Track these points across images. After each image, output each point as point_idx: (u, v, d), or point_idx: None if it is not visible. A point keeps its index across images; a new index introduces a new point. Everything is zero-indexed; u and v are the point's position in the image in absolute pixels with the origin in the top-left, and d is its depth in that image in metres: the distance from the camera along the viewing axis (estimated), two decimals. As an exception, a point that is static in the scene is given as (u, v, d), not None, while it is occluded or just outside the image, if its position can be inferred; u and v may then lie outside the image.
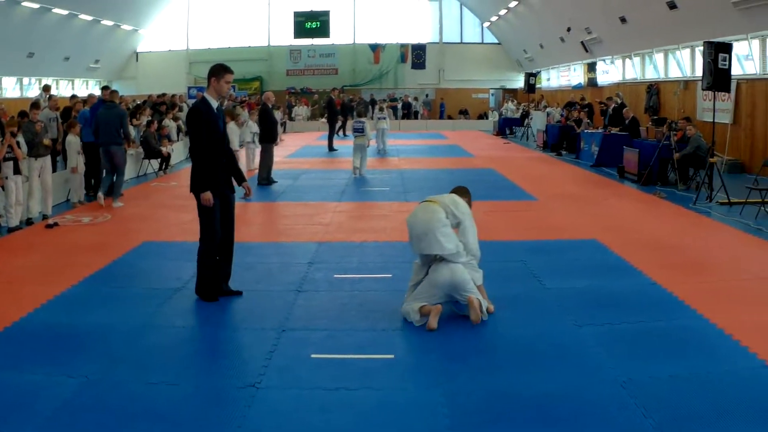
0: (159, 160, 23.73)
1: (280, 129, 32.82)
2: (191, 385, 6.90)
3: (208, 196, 9.16)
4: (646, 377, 6.82)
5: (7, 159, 14.01)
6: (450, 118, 51.78)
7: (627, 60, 33.98)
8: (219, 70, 9.30)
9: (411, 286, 8.86)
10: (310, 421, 6.14)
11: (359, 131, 23.24)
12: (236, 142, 18.02)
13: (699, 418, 5.98)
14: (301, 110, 49.11)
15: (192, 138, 9.44)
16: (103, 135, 17.21)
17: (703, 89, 18.81)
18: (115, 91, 18.80)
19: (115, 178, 17.50)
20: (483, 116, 51.51)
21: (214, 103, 9.38)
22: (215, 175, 9.32)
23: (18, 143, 14.38)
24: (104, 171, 17.68)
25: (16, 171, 14.30)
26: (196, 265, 9.57)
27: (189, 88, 48.78)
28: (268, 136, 21.20)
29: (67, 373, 7.07)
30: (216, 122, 9.32)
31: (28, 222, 15.00)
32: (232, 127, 17.43)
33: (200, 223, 9.48)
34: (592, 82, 38.69)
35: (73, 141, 17.14)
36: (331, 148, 32.07)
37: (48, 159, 15.81)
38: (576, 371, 7.07)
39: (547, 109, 37.63)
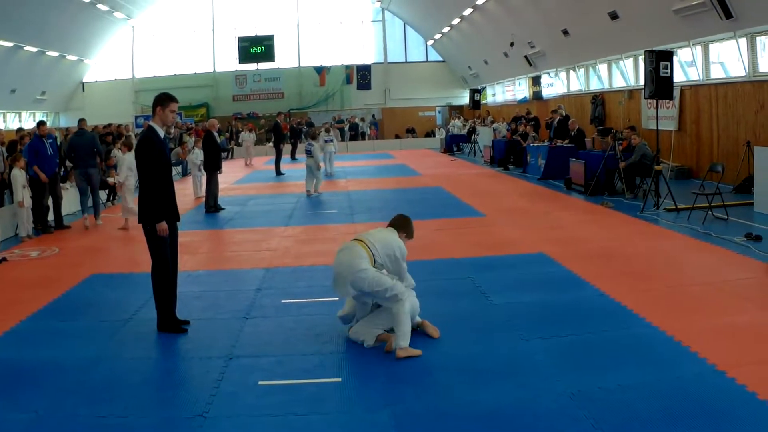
0: (107, 191, 23.41)
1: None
2: (140, 417, 6.75)
3: (164, 226, 9.09)
4: (595, 388, 6.81)
5: None
6: (397, 137, 51.80)
7: (571, 72, 34.27)
8: (164, 99, 9.22)
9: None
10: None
11: (309, 153, 23.71)
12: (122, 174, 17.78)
13: (650, 426, 5.97)
14: (248, 135, 48.89)
15: (143, 168, 9.24)
16: (79, 159, 18.61)
17: (645, 98, 18.94)
18: (83, 119, 20.17)
19: (92, 198, 18.86)
20: (430, 134, 51.61)
21: (161, 132, 9.27)
22: (168, 204, 9.24)
23: None
24: (80, 193, 18.78)
25: None
26: (155, 298, 9.43)
27: (136, 117, 48.47)
28: (213, 164, 20.99)
29: (17, 409, 6.95)
30: (164, 151, 9.28)
31: (-24, 258, 14.66)
32: (125, 158, 17.27)
33: (152, 253, 9.34)
34: (537, 96, 38.95)
35: (18, 175, 16.79)
36: (278, 173, 32.00)
37: (-7, 194, 15.52)
38: (525, 386, 7.02)
39: (494, 125, 37.79)
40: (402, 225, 9.00)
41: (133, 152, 16.72)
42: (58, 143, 20.72)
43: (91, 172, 18.82)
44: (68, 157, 19.72)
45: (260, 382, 7.46)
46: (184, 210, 20.56)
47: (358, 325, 8.58)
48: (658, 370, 7.21)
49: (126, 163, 17.58)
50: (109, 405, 7.02)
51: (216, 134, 21.40)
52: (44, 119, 20.61)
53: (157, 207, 9.10)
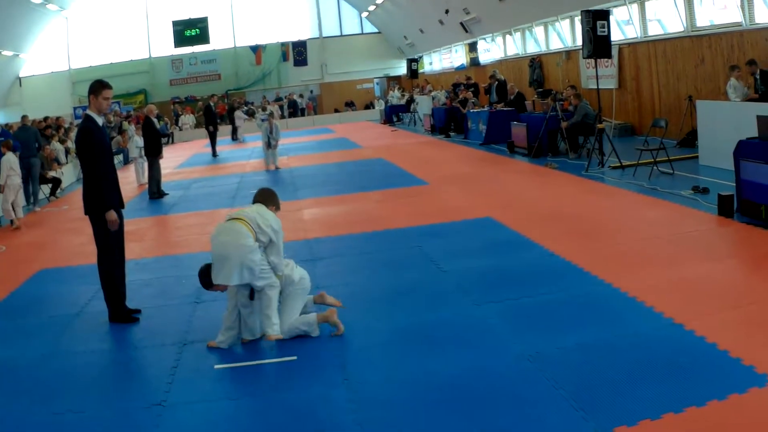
0: (50, 185, 22.89)
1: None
2: (96, 411, 6.51)
3: (113, 216, 8.82)
4: (553, 349, 6.67)
5: None
6: (337, 111, 51.44)
7: (507, 36, 34.12)
8: (97, 88, 8.88)
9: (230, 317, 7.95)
10: (219, 432, 5.92)
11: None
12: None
13: (611, 384, 5.86)
14: (187, 119, 48.29)
15: (85, 158, 8.93)
16: (24, 150, 19.59)
17: (584, 57, 18.90)
18: (25, 116, 22.91)
19: (32, 186, 20.19)
20: (369, 106, 51.35)
21: (100, 120, 8.97)
22: (114, 193, 8.98)
23: None
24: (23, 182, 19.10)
25: None
26: (103, 290, 9.15)
27: (75, 109, 47.48)
28: (154, 150, 20.55)
29: None
30: (104, 139, 9.01)
31: None
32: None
33: (98, 243, 9.07)
34: (474, 62, 38.85)
35: None
36: (215, 154, 31.80)
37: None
38: (481, 351, 6.87)
39: (432, 93, 37.64)
40: (269, 197, 8.46)
41: (10, 153, 16.46)
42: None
43: (33, 162, 20.18)
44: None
45: (216, 366, 7.25)
46: (127, 198, 20.03)
47: (273, 320, 7.90)
48: (616, 327, 7.11)
49: (7, 163, 17.04)
50: (65, 401, 6.76)
51: (155, 120, 21.00)
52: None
53: (104, 196, 8.82)
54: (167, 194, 20.47)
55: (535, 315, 7.70)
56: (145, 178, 21.99)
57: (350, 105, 52.34)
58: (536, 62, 30.13)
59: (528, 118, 21.98)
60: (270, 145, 24.25)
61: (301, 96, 51.77)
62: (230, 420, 6.12)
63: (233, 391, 6.75)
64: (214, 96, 37.17)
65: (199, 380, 7.02)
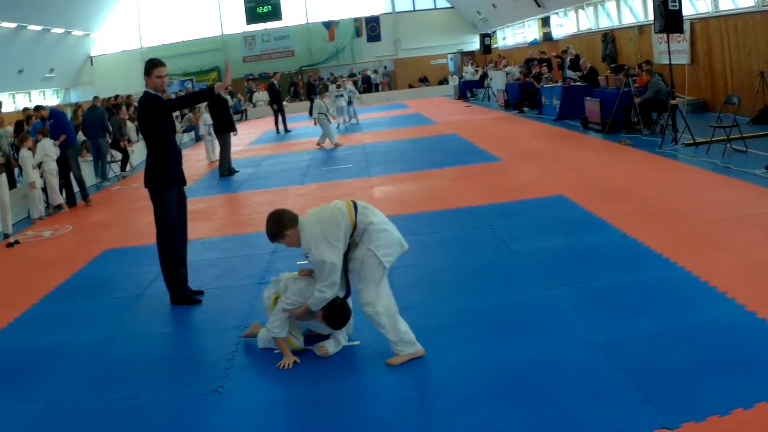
0: (120, 162, 23.34)
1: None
2: (152, 398, 6.50)
3: (170, 196, 8.84)
4: (622, 336, 6.51)
5: None
6: (411, 86, 51.17)
7: (580, 11, 33.47)
8: (149, 67, 8.87)
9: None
10: (274, 420, 5.84)
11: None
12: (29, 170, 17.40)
13: (679, 375, 5.68)
14: (261, 95, 48.39)
15: (148, 131, 8.93)
16: (90, 131, 20.61)
17: (655, 32, 18.51)
18: (97, 97, 23.51)
19: (101, 163, 21.24)
20: (443, 82, 50.92)
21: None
22: (174, 168, 8.96)
23: None
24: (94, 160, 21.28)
25: None
26: (162, 271, 9.14)
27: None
28: (223, 127, 20.73)
29: (26, 398, 6.70)
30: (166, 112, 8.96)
31: (-11, 243, 14.49)
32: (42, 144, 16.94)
33: (157, 221, 9.03)
34: (547, 37, 38.29)
35: (27, 155, 16.34)
36: (278, 131, 32.21)
37: (3, 176, 15.15)
38: (549, 337, 6.72)
39: (507, 68, 37.23)
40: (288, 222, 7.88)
41: (46, 139, 16.52)
42: (69, 118, 20.94)
43: (101, 142, 20.91)
44: (82, 131, 21.09)
45: (276, 351, 7.11)
46: (197, 176, 20.44)
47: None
48: (687, 314, 6.90)
49: (42, 149, 17.13)
50: (121, 387, 6.78)
51: (227, 97, 21.00)
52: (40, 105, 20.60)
53: (164, 171, 8.83)
54: (237, 171, 20.57)
55: (605, 299, 7.52)
56: (216, 156, 22.18)
57: (424, 80, 51.96)
58: (609, 37, 29.56)
59: (601, 93, 21.54)
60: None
61: (375, 72, 51.58)
62: (287, 407, 6.08)
63: (292, 377, 6.60)
64: (277, 74, 37.17)
65: (258, 366, 6.98)
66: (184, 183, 9.24)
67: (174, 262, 9.03)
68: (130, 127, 26.10)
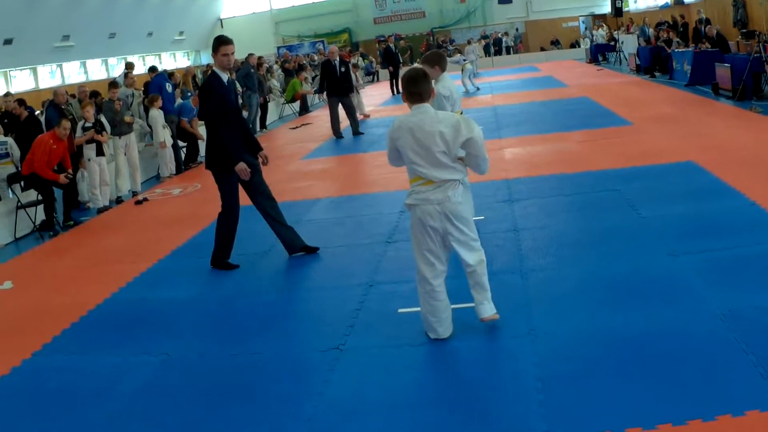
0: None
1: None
2: (273, 353, 6.59)
3: (242, 166, 8.87)
4: (748, 308, 6.20)
5: (89, 142, 13.80)
6: (542, 49, 50.25)
7: (713, -26, 32.28)
8: (215, 45, 8.89)
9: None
10: (395, 381, 5.78)
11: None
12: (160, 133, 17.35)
13: (805, 351, 5.40)
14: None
15: (206, 114, 9.10)
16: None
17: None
18: (252, 54, 24.94)
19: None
20: (575, 45, 49.83)
21: (224, 77, 9.01)
22: (239, 147, 9.02)
23: (101, 123, 14.32)
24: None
25: (99, 152, 14.06)
26: (216, 238, 9.34)
27: (278, 48, 48.32)
28: (330, 90, 21.00)
29: (148, 351, 6.89)
30: (228, 95, 8.98)
31: (118, 200, 14.89)
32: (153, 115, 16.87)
33: (222, 198, 9.21)
34: (678, 1, 37.08)
35: (157, 115, 16.67)
36: (393, 93, 31.94)
37: (132, 136, 15.46)
38: (673, 306, 6.48)
39: (640, 27, 36.23)
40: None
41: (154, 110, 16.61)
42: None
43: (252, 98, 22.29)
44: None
45: (400, 310, 7.11)
46: (327, 136, 20.47)
47: None
48: (815, 287, 6.54)
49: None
50: (243, 342, 6.90)
51: (336, 62, 20.89)
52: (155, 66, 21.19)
53: (229, 151, 8.87)
54: (362, 133, 20.64)
55: (731, 269, 7.20)
56: (363, 110, 22.18)
57: (555, 43, 50.86)
58: (740, 2, 28.45)
59: (732, 59, 20.71)
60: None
61: (506, 34, 50.71)
62: (407, 367, 5.99)
63: (415, 336, 6.49)
64: (391, 37, 37.32)
65: (381, 324, 6.91)
66: (256, 157, 9.30)
67: (228, 236, 9.29)
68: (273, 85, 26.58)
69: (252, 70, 23.12)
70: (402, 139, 6.12)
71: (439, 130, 5.97)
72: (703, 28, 26.72)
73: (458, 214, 6.05)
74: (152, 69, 20.85)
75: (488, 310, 6.40)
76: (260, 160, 9.36)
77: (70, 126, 13.09)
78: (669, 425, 4.71)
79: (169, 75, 21.17)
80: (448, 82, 8.58)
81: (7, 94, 16.71)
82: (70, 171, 13.33)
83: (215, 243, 9.34)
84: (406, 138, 6.08)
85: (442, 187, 6.00)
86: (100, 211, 13.88)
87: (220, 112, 8.85)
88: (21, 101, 15.37)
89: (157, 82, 18.46)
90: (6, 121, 16.04)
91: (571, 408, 5.06)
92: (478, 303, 6.40)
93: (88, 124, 14.05)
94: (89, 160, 13.82)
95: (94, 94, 17.86)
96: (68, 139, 13.16)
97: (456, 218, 6.04)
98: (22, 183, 13.29)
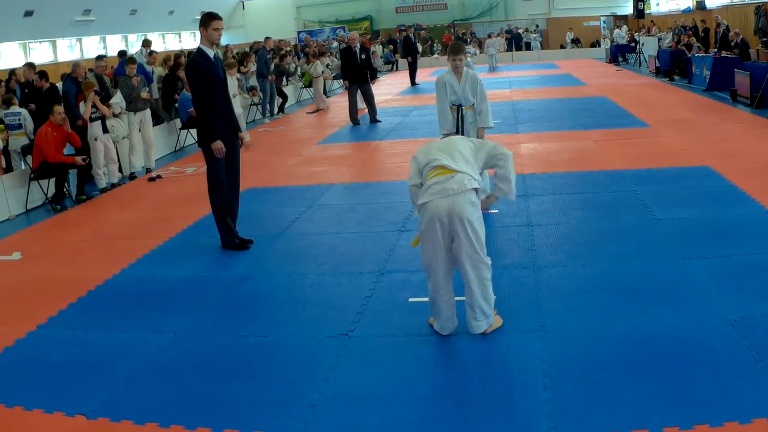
0: (279, 100, 23.91)
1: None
2: (281, 336, 6.54)
3: (219, 145, 8.80)
4: (758, 315, 6.14)
5: (94, 119, 13.50)
6: (562, 47, 49.92)
7: (737, -20, 32.00)
8: (205, 20, 8.88)
9: None
10: (402, 371, 5.73)
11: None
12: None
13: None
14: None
15: (193, 90, 9.04)
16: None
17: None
18: (268, 38, 24.82)
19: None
20: (595, 44, 49.52)
21: (210, 53, 8.95)
22: (222, 124, 8.96)
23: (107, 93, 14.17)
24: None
25: (105, 130, 13.81)
26: (214, 217, 9.26)
27: (299, 33, 48.18)
28: (349, 77, 21.01)
29: (154, 329, 6.87)
30: (215, 71, 8.92)
31: (131, 177, 14.78)
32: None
33: (208, 174, 9.12)
34: (700, 6, 36.69)
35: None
36: (413, 83, 31.94)
37: (147, 112, 15.35)
38: (683, 310, 6.41)
39: (659, 35, 36.05)
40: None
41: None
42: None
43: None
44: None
45: (411, 299, 7.07)
46: (344, 122, 20.39)
47: None
48: (828, 297, 6.46)
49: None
50: (251, 324, 6.87)
51: (356, 49, 20.87)
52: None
53: (210, 126, 8.82)
54: (380, 121, 20.49)
55: (744, 275, 7.12)
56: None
57: (576, 42, 50.54)
58: (762, 10, 28.16)
59: (752, 66, 20.54)
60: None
61: (527, 30, 50.40)
62: (415, 357, 5.94)
63: (424, 326, 6.45)
64: (410, 27, 37.32)
65: (391, 312, 6.86)
66: (236, 137, 9.26)
67: (224, 210, 9.15)
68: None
69: (268, 55, 22.98)
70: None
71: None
72: (719, 33, 26.52)
73: (469, 215, 5.86)
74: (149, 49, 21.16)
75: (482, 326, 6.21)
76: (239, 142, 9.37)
77: (63, 111, 12.94)
78: (676, 429, 4.65)
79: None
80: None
81: (31, 65, 16.54)
82: (86, 156, 13.24)
83: (216, 223, 9.30)
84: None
85: (456, 177, 5.90)
86: (103, 190, 13.61)
87: (206, 88, 8.81)
88: (42, 73, 15.27)
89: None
90: (27, 91, 15.96)
91: (577, 407, 5.01)
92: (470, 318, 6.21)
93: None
94: (95, 139, 13.50)
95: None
96: (65, 121, 12.98)
97: (466, 220, 5.84)
98: (33, 174, 13.08)
